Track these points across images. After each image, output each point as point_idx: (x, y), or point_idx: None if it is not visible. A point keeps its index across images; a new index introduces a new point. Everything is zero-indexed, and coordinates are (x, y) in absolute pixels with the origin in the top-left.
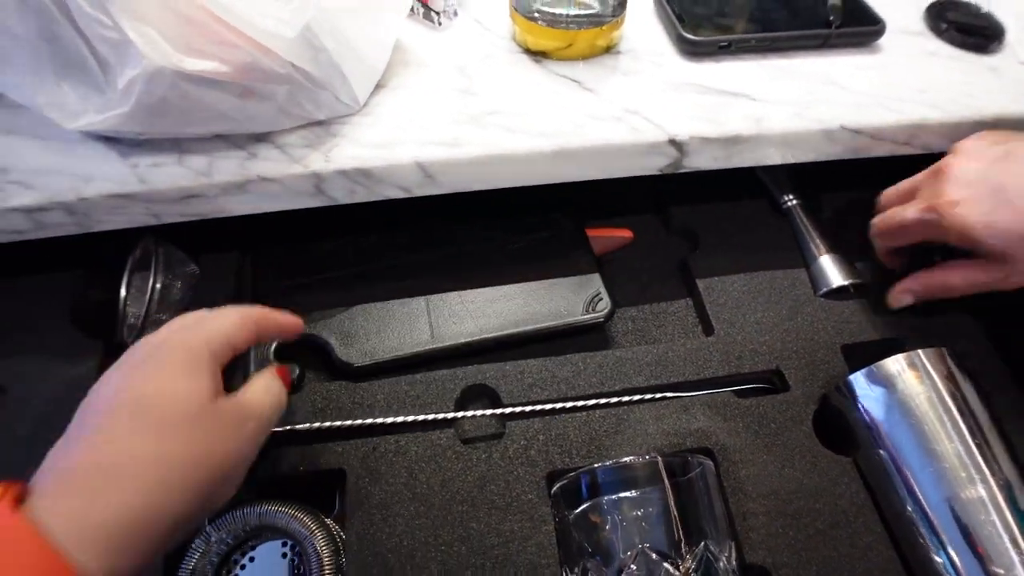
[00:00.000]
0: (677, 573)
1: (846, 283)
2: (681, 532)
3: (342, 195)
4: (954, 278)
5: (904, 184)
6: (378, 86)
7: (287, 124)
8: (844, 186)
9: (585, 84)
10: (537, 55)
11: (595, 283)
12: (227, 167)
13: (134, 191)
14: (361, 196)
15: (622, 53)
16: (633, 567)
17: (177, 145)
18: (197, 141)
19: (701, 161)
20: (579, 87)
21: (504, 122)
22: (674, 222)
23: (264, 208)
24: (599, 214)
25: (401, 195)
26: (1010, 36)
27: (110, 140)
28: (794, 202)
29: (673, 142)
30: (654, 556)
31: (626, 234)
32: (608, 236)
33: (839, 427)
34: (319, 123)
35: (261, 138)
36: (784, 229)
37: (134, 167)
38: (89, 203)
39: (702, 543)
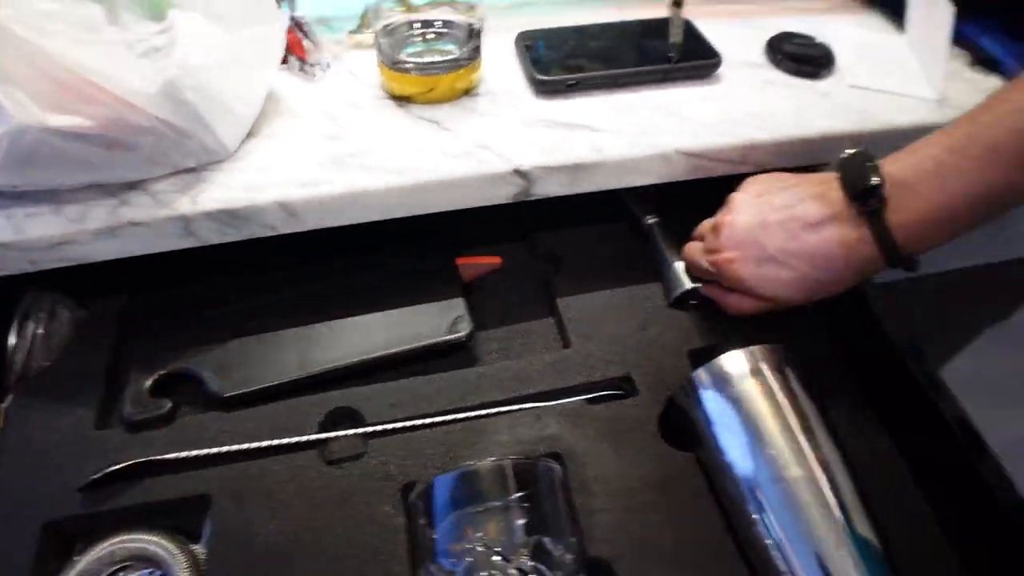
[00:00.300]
0: (508, 565)
1: (697, 285)
2: (523, 531)
3: (213, 235)
4: (743, 304)
5: (706, 224)
6: (250, 134)
7: (157, 172)
8: (705, 206)
9: (443, 124)
10: (402, 100)
11: (458, 306)
12: (99, 214)
13: (9, 240)
14: (232, 236)
15: (481, 95)
16: (469, 559)
17: (54, 196)
18: (72, 191)
19: (549, 188)
20: (438, 127)
21: (365, 162)
22: (539, 247)
23: (136, 251)
24: (472, 244)
25: (269, 233)
26: (840, 62)
27: None
28: (654, 220)
29: (518, 172)
30: (492, 555)
31: (494, 261)
32: (477, 263)
33: (682, 426)
34: (190, 170)
35: (133, 186)
36: (642, 247)
37: (10, 217)
38: None
39: (535, 537)
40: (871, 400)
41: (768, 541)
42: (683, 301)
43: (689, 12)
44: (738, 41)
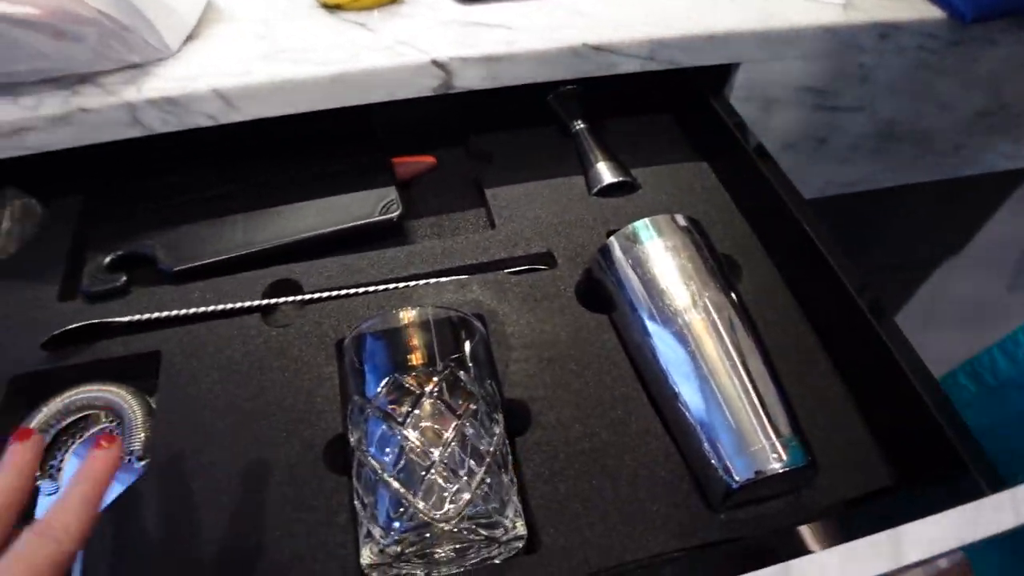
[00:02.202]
0: (413, 384)
1: (616, 180)
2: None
3: (156, 123)
4: None
5: None
6: (191, 37)
7: (106, 65)
8: (627, 112)
9: (368, 26)
10: (333, 8)
11: (390, 193)
12: (53, 103)
13: None
14: (174, 124)
15: (405, 3)
16: (382, 391)
17: (11, 88)
18: (29, 85)
19: (468, 80)
20: (363, 28)
21: (292, 57)
22: (472, 148)
23: (88, 139)
24: (409, 147)
25: (209, 123)
26: None
27: None
28: (581, 126)
29: (436, 63)
30: (404, 382)
31: (429, 160)
32: (412, 162)
33: (598, 293)
34: (136, 66)
35: (84, 79)
36: (568, 147)
37: None
38: None
39: (446, 362)
40: (783, 273)
41: (669, 382)
42: (604, 195)
43: None
44: None
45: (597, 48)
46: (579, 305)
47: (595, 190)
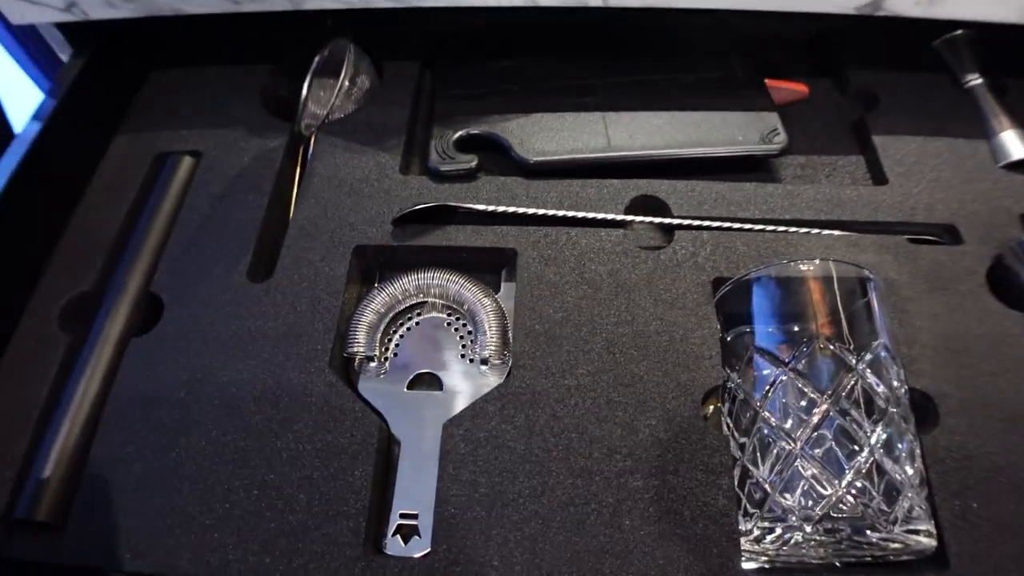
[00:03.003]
0: (849, 362)
1: None
2: (849, 339)
3: None
4: None
5: None
6: None
7: None
8: None
9: None
10: None
11: (773, 119)
12: None
13: None
14: None
15: None
16: (799, 355)
17: None
18: None
19: (902, 5)
20: None
21: None
22: (852, 84)
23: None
24: (774, 72)
25: (599, 3)
26: None
27: None
28: (979, 80)
29: None
30: (829, 345)
31: (802, 88)
32: (784, 87)
33: (1013, 285)
34: None
35: None
36: (964, 103)
37: None
38: None
39: (876, 342)
40: None
41: None
42: (1012, 168)
43: None
44: None
45: None
46: (990, 294)
47: (1002, 163)
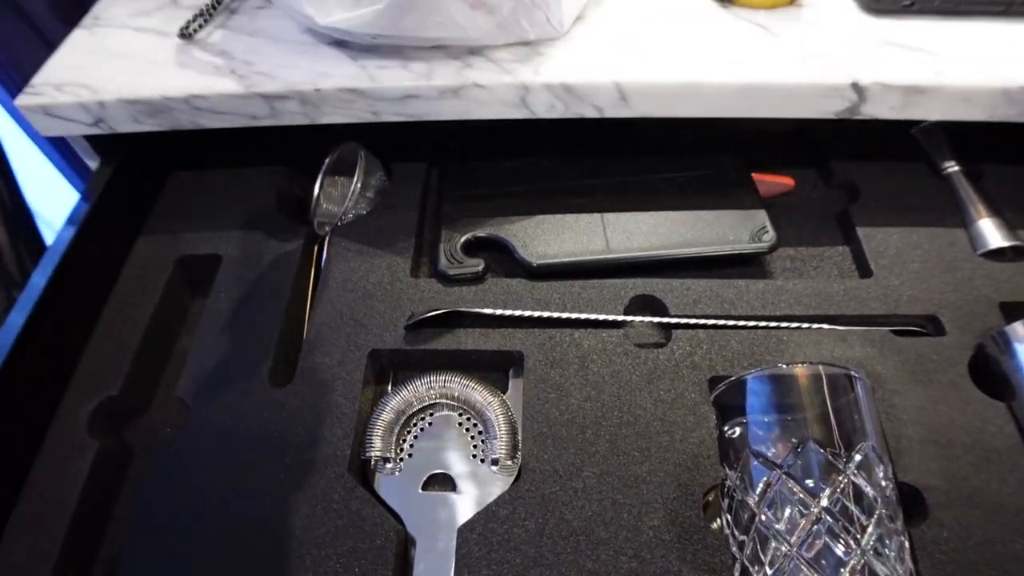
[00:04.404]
0: (838, 465)
1: (1006, 244)
2: (839, 438)
3: (542, 109)
4: None
5: None
6: (579, 17)
7: (501, 40)
8: (1004, 158)
9: (770, 29)
10: (725, 1)
11: (761, 217)
12: (445, 73)
13: (364, 87)
14: (559, 112)
15: (804, 6)
16: (791, 459)
17: (400, 52)
18: (418, 51)
19: (878, 109)
20: (764, 31)
21: (694, 54)
22: (835, 176)
23: (472, 114)
24: (759, 165)
25: (595, 114)
26: None
27: (341, 44)
28: (955, 168)
29: (855, 86)
30: (820, 450)
31: (788, 181)
32: (771, 181)
33: (994, 374)
34: (527, 43)
35: (475, 52)
36: (943, 191)
37: (363, 68)
38: (322, 95)
39: (864, 443)
40: None
41: None
42: (990, 256)
43: None
44: None
45: None
46: (973, 385)
47: (980, 252)
